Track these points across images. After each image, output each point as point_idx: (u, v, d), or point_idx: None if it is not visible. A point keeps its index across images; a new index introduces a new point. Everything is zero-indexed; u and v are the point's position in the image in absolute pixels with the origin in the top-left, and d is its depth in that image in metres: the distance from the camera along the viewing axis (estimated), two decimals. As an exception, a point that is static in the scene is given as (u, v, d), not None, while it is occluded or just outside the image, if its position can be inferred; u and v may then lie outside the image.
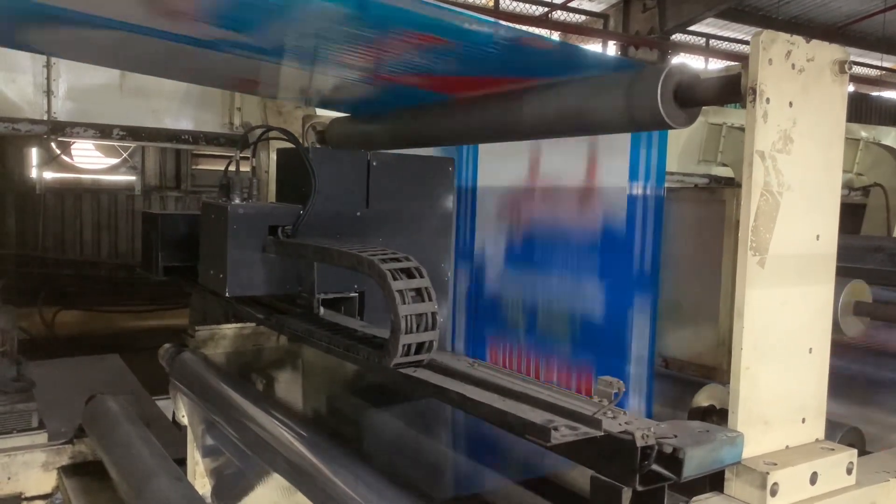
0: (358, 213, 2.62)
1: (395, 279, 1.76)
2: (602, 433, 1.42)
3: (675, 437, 1.49)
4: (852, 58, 1.79)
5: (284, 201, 2.66)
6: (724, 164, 5.85)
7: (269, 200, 3.26)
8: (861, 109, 15.51)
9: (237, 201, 2.48)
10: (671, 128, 1.93)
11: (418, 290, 1.77)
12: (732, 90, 1.71)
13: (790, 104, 1.67)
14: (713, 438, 1.55)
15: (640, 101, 1.92)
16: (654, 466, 1.43)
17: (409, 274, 1.78)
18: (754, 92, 1.61)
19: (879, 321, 2.60)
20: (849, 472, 1.74)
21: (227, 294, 2.42)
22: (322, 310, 2.40)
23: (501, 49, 2.04)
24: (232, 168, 2.58)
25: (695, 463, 1.47)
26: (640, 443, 1.40)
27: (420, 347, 1.78)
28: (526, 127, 2.36)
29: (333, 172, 2.56)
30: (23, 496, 3.30)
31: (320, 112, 3.84)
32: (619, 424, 1.45)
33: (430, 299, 1.77)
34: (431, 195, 2.81)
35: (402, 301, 1.73)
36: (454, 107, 2.66)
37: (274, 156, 3.20)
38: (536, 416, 1.48)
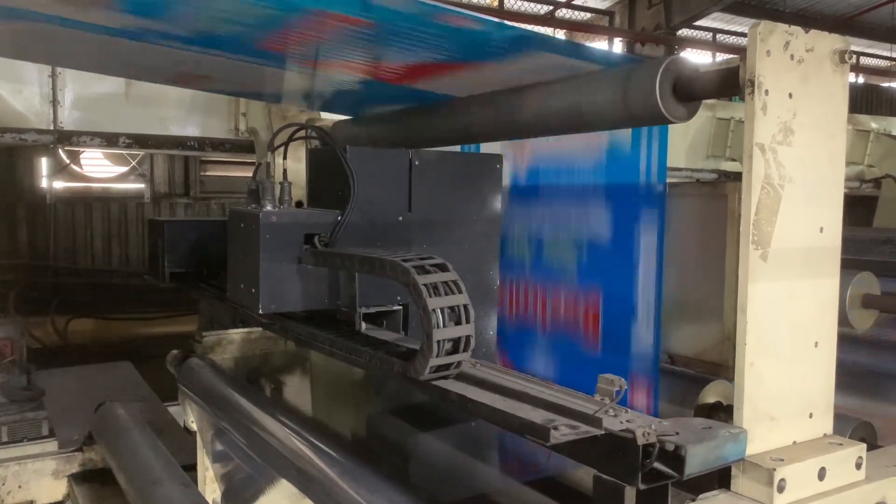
0: (400, 218, 2.41)
1: (420, 274, 1.66)
2: (603, 432, 1.41)
3: (677, 434, 1.47)
4: (862, 49, 1.78)
5: (317, 206, 2.45)
6: (733, 159, 5.82)
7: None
8: (871, 100, 15.38)
9: (269, 208, 2.26)
10: (670, 122, 1.91)
11: (447, 284, 1.66)
12: (731, 83, 1.70)
13: (790, 95, 1.65)
14: (716, 435, 1.53)
15: (637, 96, 1.91)
16: (657, 464, 1.42)
17: (438, 271, 1.69)
18: (752, 84, 1.59)
19: (889, 313, 2.57)
20: (858, 466, 1.71)
21: (260, 311, 2.21)
22: (364, 325, 2.21)
23: (501, 48, 2.03)
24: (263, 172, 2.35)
25: (697, 460, 1.45)
26: (641, 441, 1.38)
27: (455, 345, 1.66)
28: (526, 125, 2.35)
29: (372, 173, 2.35)
30: (34, 504, 3.33)
31: (324, 115, 3.85)
32: (621, 423, 1.43)
33: (461, 291, 1.66)
34: (478, 196, 2.57)
35: (429, 294, 1.63)
36: (455, 107, 2.65)
37: (281, 160, 3.16)
38: (537, 415, 1.47)
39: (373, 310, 2.23)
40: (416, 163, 2.43)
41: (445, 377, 1.71)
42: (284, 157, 2.41)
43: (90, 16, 2.08)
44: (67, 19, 2.09)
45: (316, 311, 2.35)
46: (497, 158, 2.63)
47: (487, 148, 2.81)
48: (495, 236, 2.62)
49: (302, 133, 2.54)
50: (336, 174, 2.31)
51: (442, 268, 1.70)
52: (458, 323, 1.65)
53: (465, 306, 1.66)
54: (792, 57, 1.64)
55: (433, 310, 1.61)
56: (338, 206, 2.30)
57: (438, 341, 1.62)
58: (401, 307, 2.29)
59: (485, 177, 2.59)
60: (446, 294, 1.65)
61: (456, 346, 1.66)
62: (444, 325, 1.62)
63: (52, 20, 2.10)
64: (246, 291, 2.27)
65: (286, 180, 2.36)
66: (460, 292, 1.67)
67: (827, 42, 1.71)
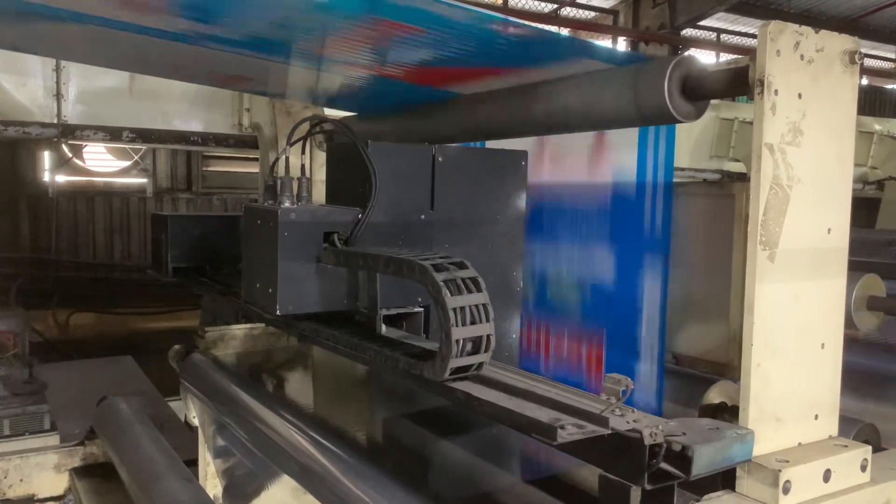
0: (422, 216, 2.33)
1: (452, 295, 1.60)
2: (609, 431, 1.40)
3: (684, 434, 1.47)
4: (866, 50, 1.77)
5: (336, 203, 2.37)
6: (737, 160, 5.81)
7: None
8: (875, 103, 15.35)
9: (287, 204, 2.17)
10: (679, 121, 1.91)
11: (476, 308, 1.62)
12: (740, 82, 1.70)
13: (799, 96, 1.64)
14: (723, 436, 1.52)
15: (647, 95, 1.90)
16: (663, 465, 1.41)
17: (471, 290, 1.64)
18: (762, 84, 1.59)
19: (894, 316, 2.57)
20: (863, 468, 1.71)
21: (277, 312, 2.13)
22: (384, 328, 2.13)
23: (509, 45, 2.03)
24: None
25: (704, 461, 1.45)
26: (648, 441, 1.38)
27: (467, 368, 1.67)
28: (534, 123, 2.35)
29: (394, 170, 2.25)
30: (35, 497, 3.33)
31: (329, 111, 3.84)
32: (627, 422, 1.43)
33: (488, 319, 1.63)
34: (503, 194, 2.48)
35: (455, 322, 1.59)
36: (463, 104, 2.65)
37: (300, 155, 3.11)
38: (543, 414, 1.46)
39: (393, 311, 2.16)
40: (440, 159, 2.35)
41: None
42: (303, 152, 2.34)
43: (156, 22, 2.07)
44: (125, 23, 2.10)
45: (329, 312, 2.28)
46: (522, 155, 2.54)
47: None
48: (519, 236, 2.55)
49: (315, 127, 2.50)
50: (357, 170, 2.23)
51: (475, 285, 1.65)
52: (475, 351, 1.64)
53: (489, 336, 1.64)
54: (802, 57, 1.64)
55: (456, 340, 1.59)
56: (358, 203, 2.23)
57: (452, 368, 1.62)
58: (422, 309, 2.21)
59: (509, 174, 2.50)
60: (472, 323, 1.61)
61: (467, 368, 1.67)
62: (460, 355, 1.62)
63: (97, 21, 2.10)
64: (262, 291, 2.19)
65: (304, 176, 2.30)
66: (487, 320, 1.63)
67: (837, 42, 1.70)
